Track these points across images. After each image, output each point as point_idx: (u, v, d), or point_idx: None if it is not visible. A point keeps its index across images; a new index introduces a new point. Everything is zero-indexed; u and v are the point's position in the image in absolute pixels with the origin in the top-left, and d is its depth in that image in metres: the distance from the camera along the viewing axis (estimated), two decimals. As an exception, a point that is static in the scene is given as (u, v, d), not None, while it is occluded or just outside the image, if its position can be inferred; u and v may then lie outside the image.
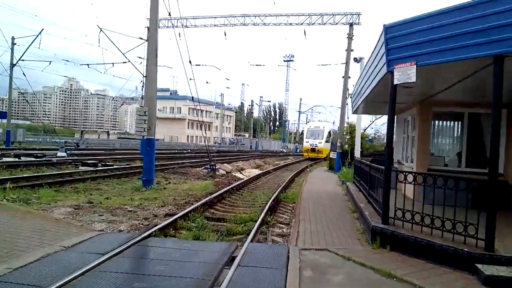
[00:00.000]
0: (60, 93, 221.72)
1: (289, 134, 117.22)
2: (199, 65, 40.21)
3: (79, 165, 19.97)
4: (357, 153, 23.40)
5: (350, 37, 28.39)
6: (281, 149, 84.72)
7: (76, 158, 23.05)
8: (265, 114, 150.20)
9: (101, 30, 25.09)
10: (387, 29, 6.96)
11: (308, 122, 76.28)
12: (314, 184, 17.99)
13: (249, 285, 4.83)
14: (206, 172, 20.96)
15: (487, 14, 5.35)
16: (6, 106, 46.90)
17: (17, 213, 8.27)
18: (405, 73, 6.51)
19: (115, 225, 8.42)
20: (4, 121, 38.87)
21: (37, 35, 30.68)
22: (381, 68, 7.58)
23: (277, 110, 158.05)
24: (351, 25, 28.66)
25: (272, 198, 11.96)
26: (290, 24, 31.85)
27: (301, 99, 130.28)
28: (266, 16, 32.51)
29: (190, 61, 17.55)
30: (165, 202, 11.27)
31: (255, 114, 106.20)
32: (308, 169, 30.19)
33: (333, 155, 28.45)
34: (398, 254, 6.22)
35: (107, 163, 21.23)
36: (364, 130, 34.23)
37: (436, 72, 7.07)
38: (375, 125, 40.58)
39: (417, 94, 9.54)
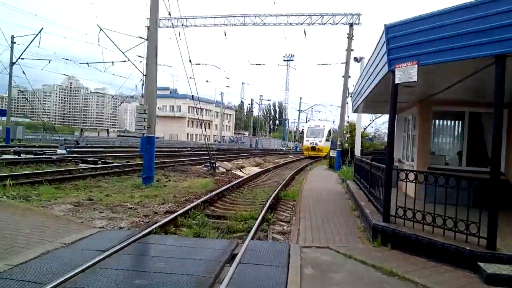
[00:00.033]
0: (59, 91, 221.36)
1: (289, 132, 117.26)
2: (199, 64, 40.25)
3: (79, 163, 19.96)
4: (358, 152, 23.38)
5: (350, 37, 28.38)
6: (281, 148, 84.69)
7: (76, 155, 23.02)
8: (265, 113, 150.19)
9: (101, 29, 25.13)
10: (388, 28, 6.95)
11: (308, 121, 76.32)
12: (315, 182, 17.98)
13: (250, 282, 4.81)
14: (206, 170, 20.95)
15: (490, 14, 5.34)
16: (5, 104, 46.87)
17: (17, 210, 8.25)
18: (407, 73, 6.50)
19: (116, 222, 8.40)
20: (4, 118, 38.83)
21: (37, 34, 30.73)
22: (382, 68, 7.56)
23: (277, 109, 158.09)
24: (351, 25, 28.65)
25: (273, 196, 11.94)
26: (290, 24, 31.82)
27: (301, 98, 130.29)
28: (266, 16, 32.48)
29: (190, 60, 17.54)
30: (165, 199, 11.25)
31: (255, 112, 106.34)
32: (308, 168, 30.18)
33: (333, 153, 28.45)
34: (399, 252, 6.21)
35: (107, 161, 21.23)
36: (364, 129, 34.23)
37: (437, 71, 7.05)
38: (375, 124, 40.54)
39: (418, 93, 9.53)
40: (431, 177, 6.36)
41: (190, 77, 17.41)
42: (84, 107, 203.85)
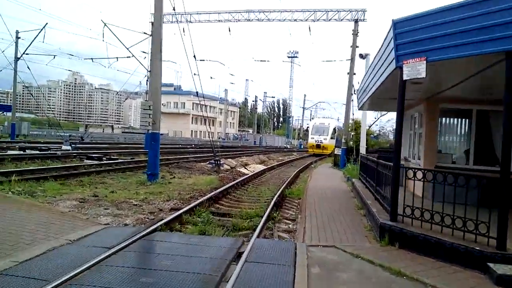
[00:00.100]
0: (64, 87, 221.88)
1: (293, 130, 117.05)
2: (204, 60, 40.06)
3: (84, 159, 20.00)
4: (363, 150, 23.27)
5: (355, 33, 28.23)
6: (285, 145, 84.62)
7: (80, 151, 23.08)
8: (269, 110, 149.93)
9: (105, 24, 25.10)
10: (396, 24, 6.83)
11: (312, 118, 76.36)
12: (319, 180, 17.90)
13: (257, 281, 4.76)
14: (210, 167, 20.93)
15: (505, 8, 5.22)
16: (11, 100, 47.03)
17: (23, 205, 8.25)
18: (415, 69, 6.40)
19: (121, 219, 8.38)
20: (9, 114, 38.98)
21: (41, 29, 30.75)
22: (389, 64, 7.46)
23: (281, 106, 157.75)
24: (356, 21, 28.46)
25: (278, 193, 11.90)
26: (295, 20, 31.64)
27: (305, 95, 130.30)
28: (270, 11, 32.31)
29: (194, 56, 17.46)
30: (170, 196, 11.23)
31: (259, 109, 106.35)
32: (312, 165, 30.11)
33: (338, 151, 28.36)
34: (407, 252, 6.14)
35: (112, 157, 21.24)
36: (369, 126, 34.07)
37: (446, 68, 6.94)
38: (380, 121, 40.37)
39: (425, 90, 9.41)
40: (440, 175, 6.28)
41: (195, 74, 17.47)
42: (88, 103, 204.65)
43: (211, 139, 23.98)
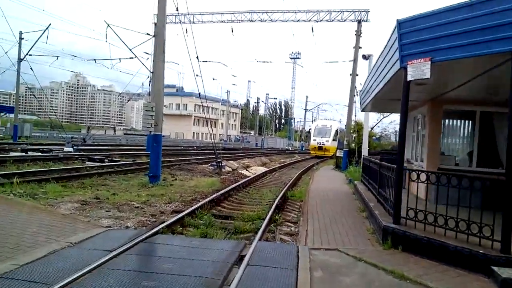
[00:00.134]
0: (67, 89, 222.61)
1: (295, 132, 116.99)
2: (206, 61, 40.17)
3: (86, 161, 20.00)
4: (365, 152, 23.20)
5: (358, 34, 28.20)
6: (287, 147, 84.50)
7: (82, 153, 23.07)
8: (271, 112, 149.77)
9: (108, 25, 25.05)
10: (401, 23, 6.79)
11: (314, 120, 76.25)
12: (321, 183, 17.85)
13: (259, 285, 4.72)
14: (212, 169, 20.89)
15: (506, 9, 5.18)
16: (13, 101, 47.15)
17: (24, 207, 8.23)
18: (419, 69, 6.36)
19: (122, 221, 8.35)
20: (12, 115, 39.06)
21: (45, 30, 30.69)
22: (393, 64, 7.42)
23: (283, 108, 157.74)
24: (359, 22, 28.45)
25: (279, 196, 11.84)
26: (298, 20, 31.70)
27: (307, 96, 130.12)
28: (273, 12, 32.36)
29: (197, 57, 17.49)
30: (172, 198, 11.20)
31: (261, 111, 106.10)
32: (314, 167, 30.01)
33: (339, 153, 28.26)
34: (410, 255, 6.09)
35: (114, 159, 21.25)
36: (371, 128, 33.98)
37: (452, 68, 6.88)
38: (382, 123, 40.27)
39: (429, 91, 9.35)
40: (444, 177, 6.23)
41: (197, 75, 17.32)
42: (91, 104, 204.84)
43: (213, 141, 23.92)
